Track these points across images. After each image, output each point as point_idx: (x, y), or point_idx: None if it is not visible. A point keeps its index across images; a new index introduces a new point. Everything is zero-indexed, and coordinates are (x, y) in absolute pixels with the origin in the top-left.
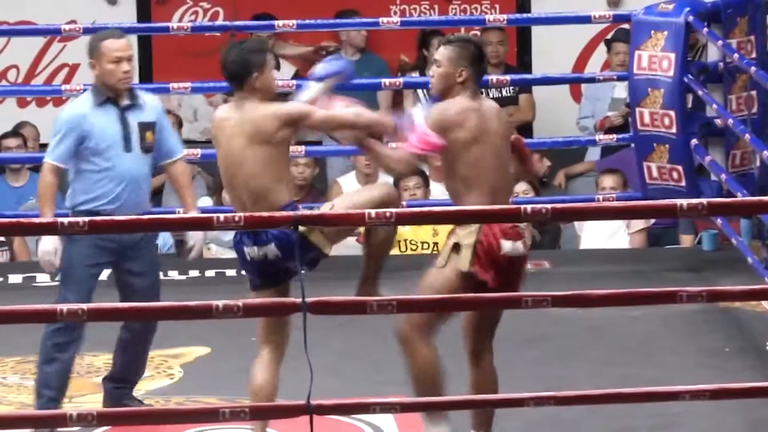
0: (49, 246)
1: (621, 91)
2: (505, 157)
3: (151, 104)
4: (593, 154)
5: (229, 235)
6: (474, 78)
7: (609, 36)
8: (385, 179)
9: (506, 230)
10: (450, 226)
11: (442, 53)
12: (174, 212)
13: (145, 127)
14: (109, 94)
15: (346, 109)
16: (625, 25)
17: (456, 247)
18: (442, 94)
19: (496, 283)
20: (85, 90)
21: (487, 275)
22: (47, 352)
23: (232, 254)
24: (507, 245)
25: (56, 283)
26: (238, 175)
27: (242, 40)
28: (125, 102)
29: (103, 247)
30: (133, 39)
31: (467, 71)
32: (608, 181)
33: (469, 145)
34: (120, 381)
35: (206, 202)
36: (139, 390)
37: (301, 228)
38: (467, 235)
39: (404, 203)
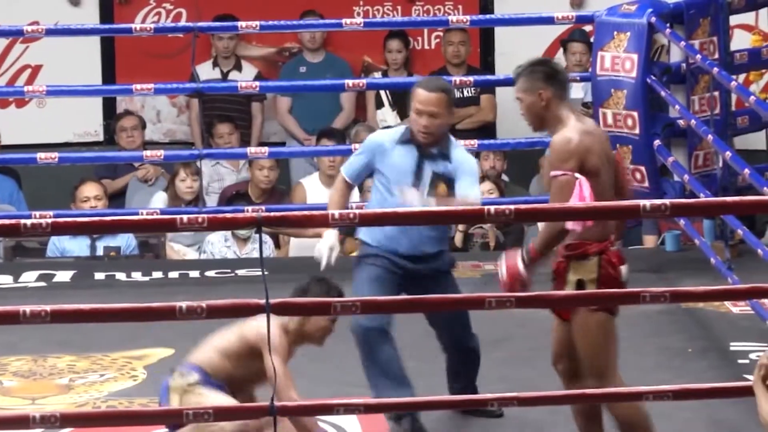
0: (331, 240)
1: (578, 91)
2: (613, 177)
3: (459, 160)
4: None
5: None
6: (559, 95)
7: (566, 37)
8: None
9: (619, 255)
10: None
11: (517, 88)
12: (137, 213)
13: (440, 177)
14: (414, 139)
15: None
16: (587, 26)
17: (580, 284)
18: (540, 125)
19: (617, 312)
20: (55, 92)
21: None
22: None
23: (195, 254)
24: (624, 271)
25: (17, 285)
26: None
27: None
28: (431, 150)
29: (392, 272)
30: (96, 40)
31: (546, 92)
32: None
33: (598, 170)
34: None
35: (162, 196)
36: (102, 392)
37: None
38: (589, 269)
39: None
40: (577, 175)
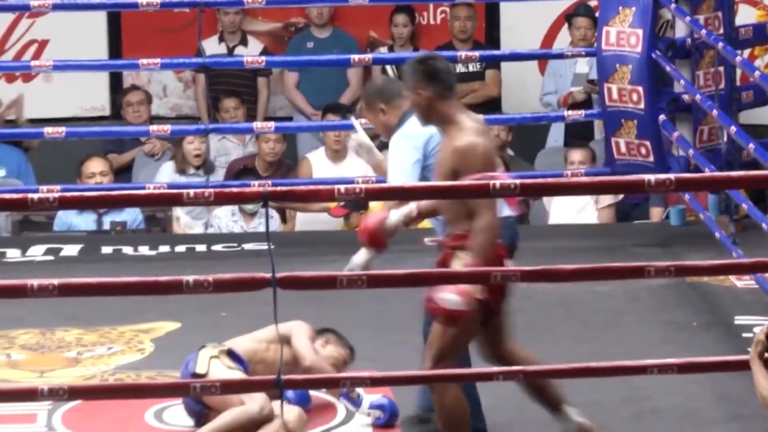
0: (360, 259)
1: (583, 66)
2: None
3: None
4: (557, 130)
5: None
6: (441, 95)
7: (571, 12)
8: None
9: (504, 251)
10: None
11: (404, 85)
12: (143, 188)
13: None
14: None
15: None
16: (592, 1)
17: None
18: (427, 122)
19: (498, 304)
20: (61, 66)
21: (493, 299)
22: None
23: (201, 228)
24: (510, 265)
25: (25, 259)
26: None
27: None
28: None
29: None
30: (102, 15)
31: (425, 91)
32: (577, 155)
33: (494, 168)
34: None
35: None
36: (109, 365)
37: None
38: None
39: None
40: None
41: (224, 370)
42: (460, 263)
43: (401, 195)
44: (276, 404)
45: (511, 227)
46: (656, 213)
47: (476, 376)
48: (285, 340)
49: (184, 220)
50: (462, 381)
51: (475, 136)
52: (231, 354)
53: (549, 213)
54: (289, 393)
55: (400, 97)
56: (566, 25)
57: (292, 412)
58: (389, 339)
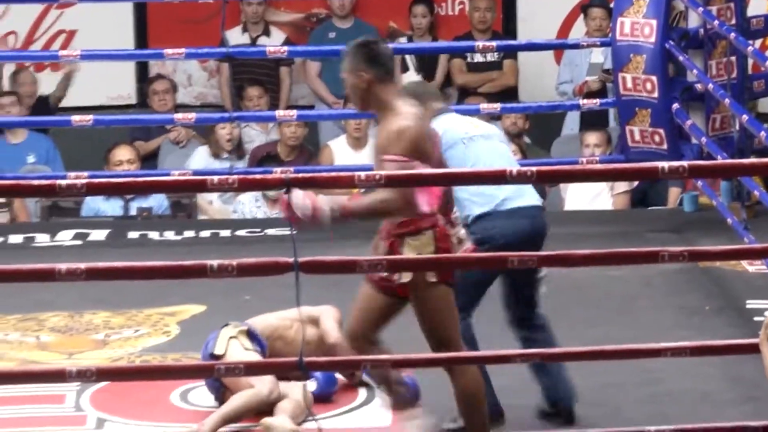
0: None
1: (598, 56)
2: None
3: None
4: (572, 118)
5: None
6: (381, 78)
7: (587, 3)
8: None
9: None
10: None
11: (342, 67)
12: (169, 174)
13: None
14: None
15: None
16: None
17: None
18: (364, 106)
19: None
20: (89, 56)
21: (450, 275)
22: None
23: (227, 214)
24: (455, 241)
25: (53, 243)
26: None
27: None
28: None
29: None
30: (129, 6)
31: (367, 74)
32: (592, 138)
33: (429, 154)
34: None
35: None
36: (136, 347)
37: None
38: (425, 243)
39: None
40: (416, 163)
41: (241, 351)
42: (409, 250)
43: (420, 182)
44: (285, 385)
45: (534, 217)
46: (674, 192)
47: (493, 358)
48: (313, 321)
49: (216, 205)
50: (479, 363)
51: (408, 121)
52: (250, 334)
53: (565, 200)
54: (317, 375)
55: (432, 100)
56: (581, 15)
57: (297, 388)
58: (409, 322)
